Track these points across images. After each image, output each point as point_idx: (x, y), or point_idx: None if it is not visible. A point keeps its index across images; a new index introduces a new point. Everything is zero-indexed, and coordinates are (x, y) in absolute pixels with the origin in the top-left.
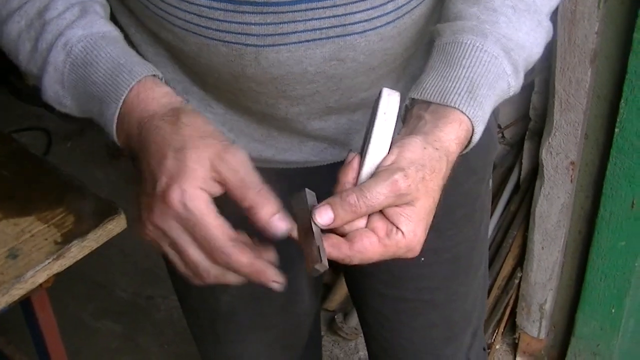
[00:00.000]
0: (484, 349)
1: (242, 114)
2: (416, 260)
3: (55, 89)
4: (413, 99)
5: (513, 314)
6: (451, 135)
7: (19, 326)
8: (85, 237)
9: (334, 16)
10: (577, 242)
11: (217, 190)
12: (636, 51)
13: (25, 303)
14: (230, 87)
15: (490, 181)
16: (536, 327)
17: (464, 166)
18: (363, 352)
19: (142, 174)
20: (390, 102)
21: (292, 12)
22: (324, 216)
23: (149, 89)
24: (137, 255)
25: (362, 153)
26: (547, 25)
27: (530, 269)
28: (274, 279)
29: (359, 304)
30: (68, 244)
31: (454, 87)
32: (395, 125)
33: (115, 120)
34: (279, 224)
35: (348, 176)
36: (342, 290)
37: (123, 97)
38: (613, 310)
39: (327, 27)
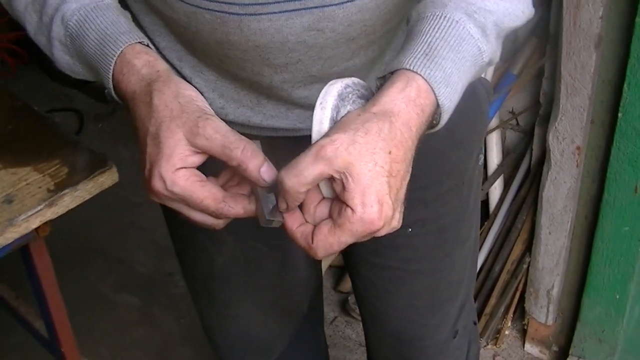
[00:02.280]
0: (475, 323)
1: (232, 80)
2: (403, 230)
3: (66, 60)
4: (381, 77)
5: (522, 299)
6: (394, 96)
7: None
8: (76, 187)
9: None
10: (584, 227)
11: (200, 160)
12: (639, 35)
13: (24, 252)
14: (217, 54)
15: (481, 156)
16: (544, 313)
17: (450, 139)
18: None
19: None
20: (327, 92)
21: None
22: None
23: (130, 62)
24: (157, 232)
25: None
26: None
27: (537, 253)
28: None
29: (351, 271)
30: (60, 192)
31: (409, 54)
32: (337, 111)
33: (113, 91)
34: (267, 174)
35: None
36: None
37: (111, 70)
38: (617, 296)
39: None
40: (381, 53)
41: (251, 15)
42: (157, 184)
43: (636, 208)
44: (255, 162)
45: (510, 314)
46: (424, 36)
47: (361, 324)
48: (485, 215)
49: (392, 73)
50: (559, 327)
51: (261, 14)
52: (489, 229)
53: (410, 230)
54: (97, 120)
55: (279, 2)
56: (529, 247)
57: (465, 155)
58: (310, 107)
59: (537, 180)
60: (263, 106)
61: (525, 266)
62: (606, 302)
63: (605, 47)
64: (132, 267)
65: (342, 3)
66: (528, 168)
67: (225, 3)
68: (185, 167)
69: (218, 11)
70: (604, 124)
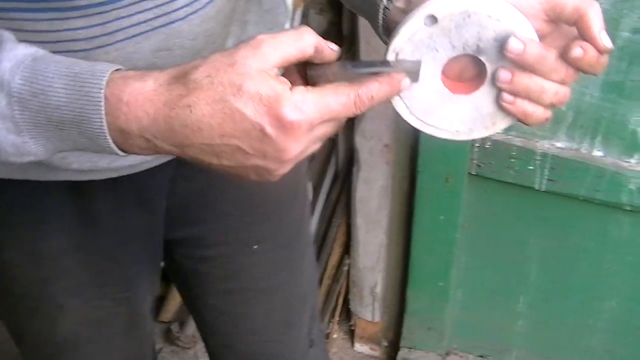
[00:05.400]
0: (322, 332)
1: None
2: (249, 249)
3: (12, 141)
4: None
5: (347, 301)
6: None
7: None
8: None
9: (156, 6)
10: (400, 222)
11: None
12: None
13: None
14: None
15: (306, 164)
16: (370, 311)
17: None
18: (203, 359)
19: (216, 163)
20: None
21: (115, 9)
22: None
23: (128, 85)
24: None
25: None
26: None
27: (357, 254)
28: (402, 77)
29: (194, 305)
30: None
31: None
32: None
33: (108, 133)
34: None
35: None
36: (175, 300)
37: (102, 105)
38: (441, 284)
39: (152, 18)
40: None
41: (98, 48)
42: (294, 116)
43: (449, 197)
44: (322, 40)
45: (337, 317)
46: None
47: (187, 352)
48: None
49: None
50: (387, 322)
51: (107, 45)
52: None
53: (255, 247)
54: None
55: (124, 29)
56: (347, 249)
57: (296, 165)
58: None
59: (347, 182)
60: None
61: (345, 268)
62: (430, 290)
63: None
64: None
65: (187, 16)
66: (335, 172)
67: (69, 41)
68: (297, 83)
69: (65, 51)
70: None
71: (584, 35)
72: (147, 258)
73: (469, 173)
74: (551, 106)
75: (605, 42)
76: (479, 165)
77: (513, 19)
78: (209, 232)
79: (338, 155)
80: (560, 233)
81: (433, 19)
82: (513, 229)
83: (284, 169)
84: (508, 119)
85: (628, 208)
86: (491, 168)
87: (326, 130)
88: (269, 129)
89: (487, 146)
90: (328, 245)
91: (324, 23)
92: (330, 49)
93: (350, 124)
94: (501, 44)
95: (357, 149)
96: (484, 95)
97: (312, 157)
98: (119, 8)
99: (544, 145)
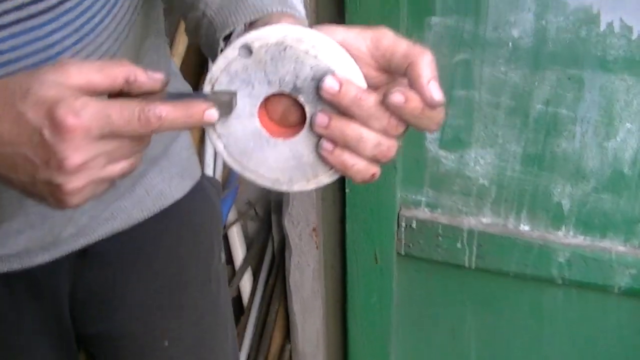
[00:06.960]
0: None
1: None
2: (159, 344)
3: None
4: (227, 36)
5: None
6: None
7: None
8: None
9: None
10: (335, 305)
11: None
12: None
13: None
14: None
15: (223, 253)
16: None
17: (190, 240)
18: None
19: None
20: None
21: None
22: None
23: None
24: None
25: None
26: None
27: (297, 339)
28: (207, 106)
29: None
30: None
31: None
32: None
33: None
34: (158, 74)
35: None
36: None
37: None
38: None
39: None
40: None
41: None
42: (69, 120)
43: (380, 277)
44: (139, 70)
45: None
46: None
47: None
48: (240, 310)
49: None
50: None
51: None
52: (246, 323)
53: (166, 343)
54: None
55: None
56: (288, 334)
57: (207, 254)
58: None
59: (283, 267)
60: None
61: (287, 354)
62: None
63: None
64: None
65: None
66: (273, 256)
67: None
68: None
69: None
70: (334, 201)
71: (412, 84)
72: (55, 351)
73: (398, 253)
74: (375, 160)
75: (435, 93)
76: (408, 245)
77: (333, 56)
78: (119, 328)
79: (274, 240)
80: (496, 309)
81: (248, 50)
82: (448, 308)
83: (72, 184)
84: (331, 172)
85: (559, 281)
86: (419, 247)
87: (114, 147)
88: (46, 132)
89: (413, 225)
90: (269, 330)
91: None
92: (151, 79)
93: (280, 210)
94: (319, 84)
95: (287, 234)
96: (303, 141)
97: (250, 242)
98: None
99: (470, 222)
